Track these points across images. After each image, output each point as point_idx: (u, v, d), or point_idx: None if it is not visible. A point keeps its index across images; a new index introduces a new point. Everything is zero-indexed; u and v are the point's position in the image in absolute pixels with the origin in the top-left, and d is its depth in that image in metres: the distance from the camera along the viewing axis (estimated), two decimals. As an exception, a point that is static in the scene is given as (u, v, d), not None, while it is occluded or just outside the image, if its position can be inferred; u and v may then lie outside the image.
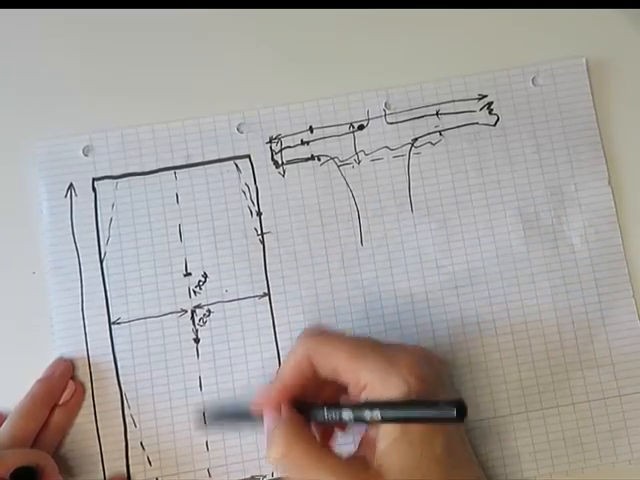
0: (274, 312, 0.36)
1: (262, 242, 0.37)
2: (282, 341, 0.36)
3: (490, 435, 0.35)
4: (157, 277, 0.36)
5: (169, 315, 0.36)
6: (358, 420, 0.29)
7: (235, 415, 0.34)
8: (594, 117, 0.38)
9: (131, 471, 0.35)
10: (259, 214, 0.37)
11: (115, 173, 0.37)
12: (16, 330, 0.36)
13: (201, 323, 0.36)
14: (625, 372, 0.36)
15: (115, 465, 0.35)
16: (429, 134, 0.38)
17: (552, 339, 0.36)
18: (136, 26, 0.39)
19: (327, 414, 0.30)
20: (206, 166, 0.37)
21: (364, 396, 0.30)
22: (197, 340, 0.36)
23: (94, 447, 0.35)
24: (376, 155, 0.38)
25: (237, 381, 0.35)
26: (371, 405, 0.29)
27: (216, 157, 0.37)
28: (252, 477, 0.35)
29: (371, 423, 0.29)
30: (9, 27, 0.39)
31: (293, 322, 0.36)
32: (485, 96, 0.38)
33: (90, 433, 0.35)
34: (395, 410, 0.29)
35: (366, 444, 0.30)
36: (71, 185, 0.37)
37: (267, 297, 0.36)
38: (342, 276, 0.36)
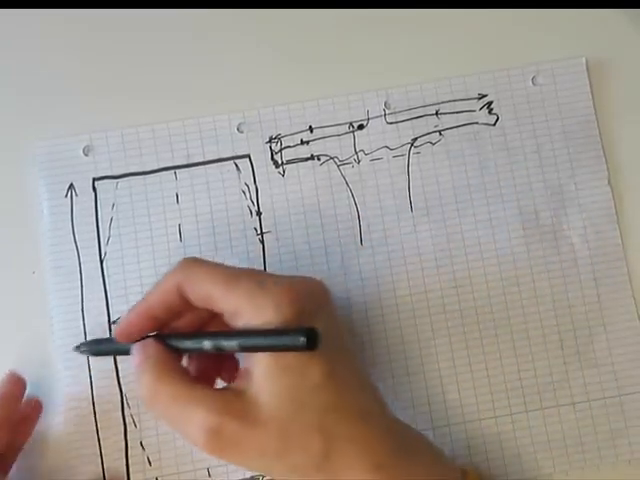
0: (274, 312, 0.36)
1: (262, 242, 0.37)
2: (282, 341, 0.36)
3: (490, 435, 0.35)
4: (157, 277, 0.35)
5: (169, 315, 0.36)
6: (218, 349, 0.28)
7: (113, 349, 0.32)
8: (594, 117, 0.38)
9: (131, 471, 0.35)
10: (259, 214, 0.37)
11: (115, 173, 0.37)
12: (16, 330, 0.36)
13: (201, 323, 0.36)
14: (625, 372, 0.36)
15: (115, 465, 0.35)
16: (429, 134, 0.38)
17: (552, 339, 0.36)
18: (136, 26, 0.39)
19: (190, 344, 0.29)
20: (206, 166, 0.37)
21: (238, 324, 0.28)
22: (197, 340, 0.36)
23: (94, 447, 0.35)
24: (376, 155, 0.38)
25: (237, 381, 0.35)
26: (228, 334, 0.28)
27: (216, 157, 0.37)
28: (252, 477, 0.35)
29: (230, 352, 0.28)
30: (9, 27, 0.39)
31: (293, 322, 0.36)
32: (485, 96, 0.38)
33: (90, 433, 0.35)
34: (250, 339, 0.27)
35: (243, 375, 0.29)
36: (71, 185, 0.37)
37: (267, 297, 0.36)
38: (342, 276, 0.36)
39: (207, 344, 0.29)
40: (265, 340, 0.27)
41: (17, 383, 0.33)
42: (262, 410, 0.27)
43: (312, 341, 0.26)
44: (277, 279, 0.29)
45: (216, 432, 0.27)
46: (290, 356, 0.28)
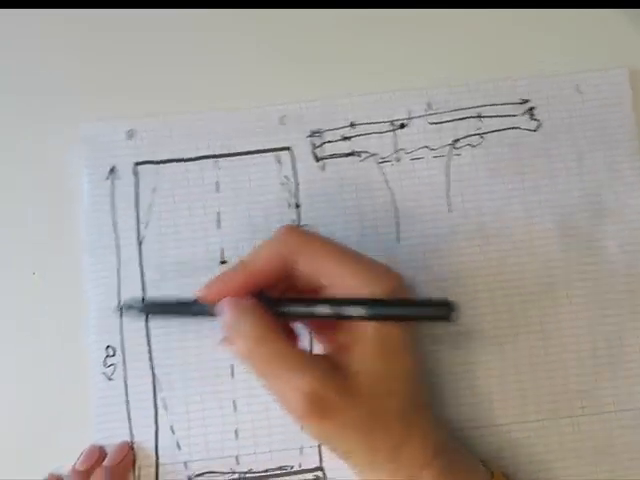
0: (308, 304, 0.36)
1: (299, 234, 0.37)
2: (315, 333, 0.36)
3: (518, 439, 0.35)
4: (194, 263, 0.36)
5: (204, 302, 0.36)
6: (338, 315, 0.28)
7: (172, 306, 0.32)
8: (635, 128, 0.38)
9: (160, 454, 0.35)
10: (297, 206, 0.37)
11: (157, 158, 0.37)
12: (16, 330, 0.36)
13: (235, 311, 0.36)
14: (656, 383, 0.36)
15: (144, 447, 0.35)
16: (470, 136, 0.38)
17: (584, 347, 0.36)
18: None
19: (300, 309, 0.29)
20: (247, 156, 0.37)
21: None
22: (230, 328, 0.36)
23: (124, 429, 0.35)
24: (416, 154, 0.38)
25: (268, 371, 0.35)
26: (356, 301, 0.29)
27: (258, 148, 0.38)
28: (279, 467, 0.35)
29: (351, 319, 0.29)
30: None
31: (327, 315, 0.36)
32: (527, 101, 0.38)
33: (121, 414, 0.35)
34: (384, 307, 0.28)
35: (342, 349, 0.29)
36: (113, 168, 0.37)
37: (302, 289, 0.36)
38: (377, 272, 0.37)
39: (323, 309, 0.28)
40: (405, 309, 0.28)
41: (127, 455, 0.34)
42: (360, 388, 0.28)
43: (453, 311, 0.27)
44: (372, 259, 0.30)
45: (316, 399, 0.27)
46: (395, 341, 0.29)
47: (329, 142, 0.38)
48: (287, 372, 0.28)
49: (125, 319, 0.36)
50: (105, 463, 0.34)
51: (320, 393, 0.28)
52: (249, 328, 0.28)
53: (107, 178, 0.37)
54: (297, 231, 0.30)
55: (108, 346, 0.35)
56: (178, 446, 0.35)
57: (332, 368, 0.28)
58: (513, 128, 0.38)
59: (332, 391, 0.28)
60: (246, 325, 0.29)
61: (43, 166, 0.38)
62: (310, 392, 0.27)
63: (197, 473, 0.35)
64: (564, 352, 0.36)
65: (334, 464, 0.35)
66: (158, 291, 0.36)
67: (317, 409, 0.28)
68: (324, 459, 0.35)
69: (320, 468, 0.35)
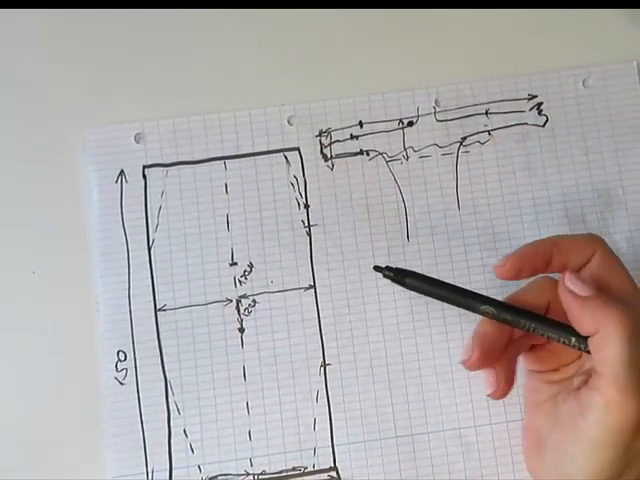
0: (319, 304, 0.36)
1: (309, 234, 0.37)
2: (326, 334, 0.36)
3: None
4: (203, 265, 0.36)
5: (214, 304, 0.36)
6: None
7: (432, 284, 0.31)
8: (643, 121, 0.38)
9: (173, 458, 0.35)
10: (306, 206, 0.37)
11: (166, 161, 0.37)
12: (16, 331, 0.36)
13: (246, 313, 0.36)
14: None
15: (157, 451, 0.35)
16: (478, 133, 0.38)
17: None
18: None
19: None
20: (256, 157, 0.37)
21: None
22: (242, 330, 0.36)
23: (137, 433, 0.35)
24: (425, 152, 0.38)
25: (281, 372, 0.35)
26: None
27: (266, 149, 0.38)
28: (293, 468, 0.35)
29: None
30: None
31: (338, 315, 0.36)
32: (535, 96, 0.38)
33: (133, 419, 0.35)
34: None
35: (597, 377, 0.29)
36: (122, 172, 0.37)
37: (312, 289, 0.36)
38: (388, 271, 0.36)
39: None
40: None
41: None
42: None
43: None
44: None
45: None
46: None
47: (337, 141, 0.38)
48: None
49: (136, 323, 0.36)
50: None
51: None
52: None
53: (116, 182, 0.37)
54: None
55: (119, 351, 0.35)
56: (191, 449, 0.35)
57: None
58: (521, 124, 0.38)
59: None
60: None
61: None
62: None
63: (211, 476, 0.35)
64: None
65: (348, 464, 0.35)
66: (169, 294, 0.36)
67: None
68: (338, 459, 0.35)
69: (334, 468, 0.35)
